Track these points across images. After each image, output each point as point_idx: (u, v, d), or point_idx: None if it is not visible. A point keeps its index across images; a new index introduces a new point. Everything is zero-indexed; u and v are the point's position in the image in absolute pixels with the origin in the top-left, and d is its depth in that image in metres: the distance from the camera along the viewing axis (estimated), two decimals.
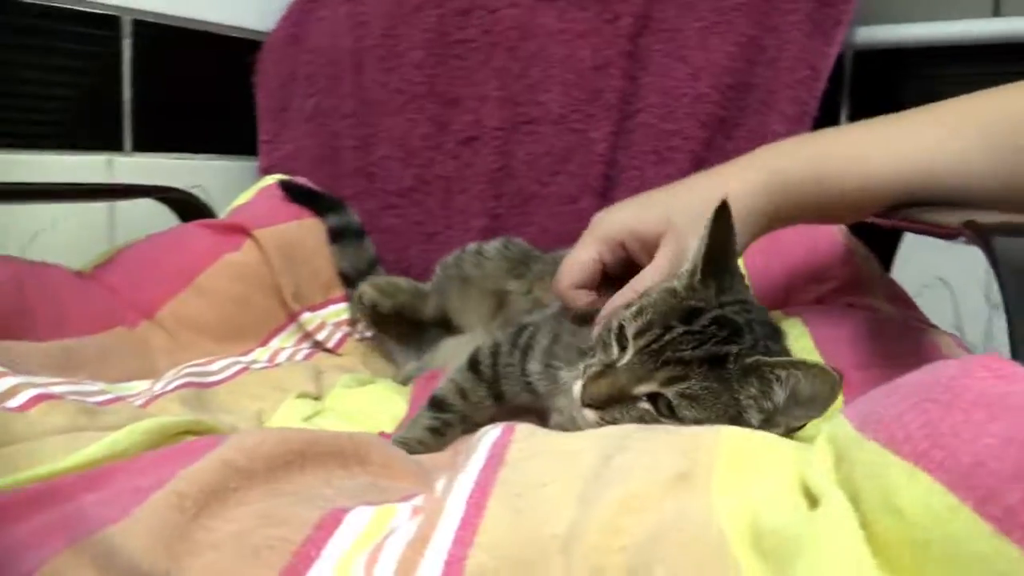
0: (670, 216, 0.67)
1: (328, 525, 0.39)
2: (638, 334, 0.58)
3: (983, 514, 0.29)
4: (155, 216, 1.15)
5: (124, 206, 1.21)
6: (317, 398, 0.88)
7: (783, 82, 1.15)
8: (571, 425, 0.67)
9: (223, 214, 1.17)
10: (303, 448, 0.47)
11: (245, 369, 0.91)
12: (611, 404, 0.57)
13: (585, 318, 0.73)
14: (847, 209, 0.73)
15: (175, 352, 0.94)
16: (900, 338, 0.79)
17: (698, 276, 0.60)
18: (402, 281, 1.06)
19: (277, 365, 0.97)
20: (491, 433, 0.52)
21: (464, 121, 1.28)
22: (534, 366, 0.72)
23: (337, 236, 1.13)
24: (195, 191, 1.21)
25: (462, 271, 1.01)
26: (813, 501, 0.40)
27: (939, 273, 1.24)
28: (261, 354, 1.01)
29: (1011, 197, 0.64)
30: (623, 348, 0.59)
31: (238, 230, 1.06)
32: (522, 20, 1.27)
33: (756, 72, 1.16)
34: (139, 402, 0.76)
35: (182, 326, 0.97)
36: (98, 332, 0.88)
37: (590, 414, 0.58)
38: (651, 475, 0.40)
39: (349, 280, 1.12)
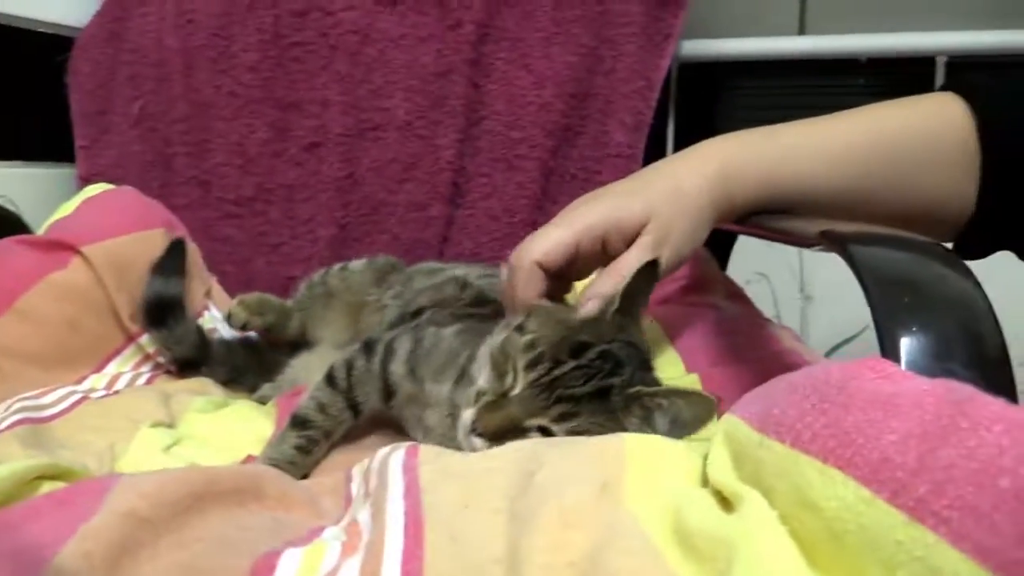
0: (653, 206, 0.67)
1: (263, 571, 0.37)
2: (529, 366, 0.59)
3: (897, 505, 0.32)
4: None
5: None
6: (170, 426, 0.82)
7: (621, 92, 1.20)
8: (444, 443, 0.67)
9: (40, 228, 1.06)
10: (203, 490, 0.44)
11: (84, 399, 0.83)
12: (502, 436, 0.57)
13: (443, 321, 0.74)
14: (763, 206, 0.73)
15: None
16: (745, 334, 0.86)
17: (615, 307, 0.62)
18: (270, 298, 1.01)
19: (117, 392, 0.90)
20: (395, 456, 0.52)
21: (306, 127, 1.24)
22: (397, 367, 0.72)
23: (157, 312, 0.96)
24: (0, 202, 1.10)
25: (327, 287, 0.98)
26: (722, 499, 0.43)
27: (759, 268, 1.35)
28: (98, 381, 0.92)
29: (859, 208, 0.71)
30: (514, 377, 0.59)
31: (63, 246, 0.96)
32: (361, 24, 1.25)
33: (596, 82, 1.21)
34: None
35: (3, 355, 0.88)
36: None
37: (479, 443, 0.58)
38: (581, 488, 0.41)
39: (196, 364, 0.98)
